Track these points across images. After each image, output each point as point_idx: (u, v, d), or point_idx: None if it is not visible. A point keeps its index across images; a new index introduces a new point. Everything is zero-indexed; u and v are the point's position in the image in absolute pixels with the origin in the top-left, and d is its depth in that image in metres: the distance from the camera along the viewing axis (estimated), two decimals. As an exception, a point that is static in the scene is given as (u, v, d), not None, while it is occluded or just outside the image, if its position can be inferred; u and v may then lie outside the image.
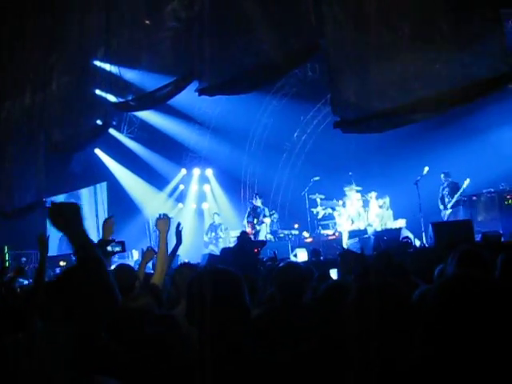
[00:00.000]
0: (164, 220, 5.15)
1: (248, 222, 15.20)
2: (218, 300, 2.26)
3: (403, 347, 2.10)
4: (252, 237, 14.56)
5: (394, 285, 2.38)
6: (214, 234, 17.14)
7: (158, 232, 5.19)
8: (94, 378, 2.05)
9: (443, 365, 1.72)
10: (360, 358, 2.15)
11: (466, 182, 12.69)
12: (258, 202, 15.37)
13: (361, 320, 2.22)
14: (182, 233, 6.02)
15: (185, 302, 2.58)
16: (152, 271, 5.63)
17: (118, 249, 3.63)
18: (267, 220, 15.23)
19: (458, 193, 12.83)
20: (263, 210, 15.31)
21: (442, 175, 13.26)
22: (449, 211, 13.04)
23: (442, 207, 13.29)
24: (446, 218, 13.06)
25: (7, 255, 14.86)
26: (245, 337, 2.32)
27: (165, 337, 2.60)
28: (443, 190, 13.21)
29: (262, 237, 14.83)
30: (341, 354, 2.32)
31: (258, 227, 14.98)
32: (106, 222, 4.78)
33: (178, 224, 5.95)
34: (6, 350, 2.09)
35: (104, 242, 3.66)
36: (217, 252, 14.34)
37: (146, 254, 5.59)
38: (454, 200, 12.90)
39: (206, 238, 17.43)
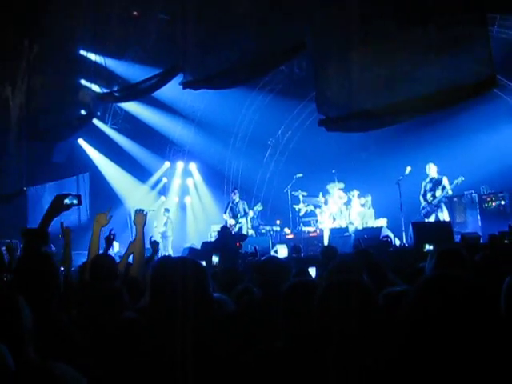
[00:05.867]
0: (140, 214, 5.35)
1: (229, 216, 15.18)
2: (180, 291, 2.23)
3: (368, 344, 2.13)
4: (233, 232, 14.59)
5: (361, 282, 2.39)
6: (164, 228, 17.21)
7: (135, 226, 5.41)
8: (47, 363, 2.10)
9: (424, 361, 1.74)
10: (328, 355, 2.17)
11: (458, 180, 12.30)
12: (236, 196, 15.36)
13: (326, 317, 2.24)
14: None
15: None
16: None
17: (75, 201, 3.68)
18: (251, 213, 15.23)
19: (449, 188, 12.46)
20: (243, 204, 15.32)
21: (427, 167, 12.94)
22: (430, 207, 12.75)
23: (423, 203, 13.00)
24: (426, 215, 12.88)
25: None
26: (210, 330, 2.31)
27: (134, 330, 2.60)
28: (426, 185, 13.03)
29: (244, 231, 14.83)
30: (310, 351, 2.33)
31: (242, 221, 14.98)
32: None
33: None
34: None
35: (61, 195, 3.71)
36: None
37: (131, 246, 5.64)
38: (438, 197, 12.60)
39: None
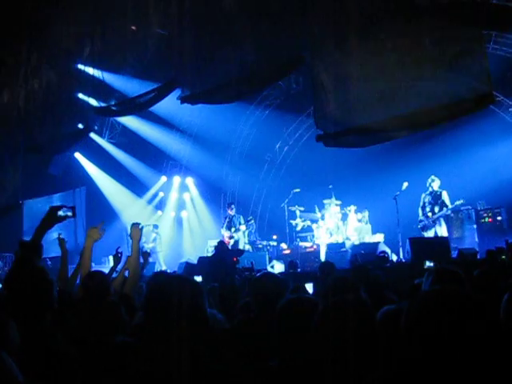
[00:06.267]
0: (136, 228, 5.22)
1: (226, 231, 15.15)
2: (176, 308, 2.20)
3: (367, 362, 2.10)
4: (229, 246, 14.50)
5: (359, 303, 2.36)
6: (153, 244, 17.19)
7: (130, 241, 5.26)
8: None
9: (424, 376, 1.72)
10: (325, 374, 2.14)
11: (459, 202, 12.36)
12: (233, 211, 15.33)
13: (327, 336, 2.21)
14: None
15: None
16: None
17: (69, 213, 3.65)
18: (243, 227, 15.18)
19: (449, 205, 12.41)
20: (238, 217, 15.28)
21: (430, 179, 12.83)
22: (428, 222, 12.71)
23: (421, 216, 12.95)
24: (423, 228, 12.83)
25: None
26: (206, 347, 2.28)
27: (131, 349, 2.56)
28: (425, 197, 12.94)
29: (241, 245, 14.78)
30: (306, 370, 2.30)
31: (235, 235, 14.93)
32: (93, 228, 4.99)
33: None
34: None
35: (55, 207, 3.68)
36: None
37: (127, 262, 5.57)
38: (438, 214, 12.54)
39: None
